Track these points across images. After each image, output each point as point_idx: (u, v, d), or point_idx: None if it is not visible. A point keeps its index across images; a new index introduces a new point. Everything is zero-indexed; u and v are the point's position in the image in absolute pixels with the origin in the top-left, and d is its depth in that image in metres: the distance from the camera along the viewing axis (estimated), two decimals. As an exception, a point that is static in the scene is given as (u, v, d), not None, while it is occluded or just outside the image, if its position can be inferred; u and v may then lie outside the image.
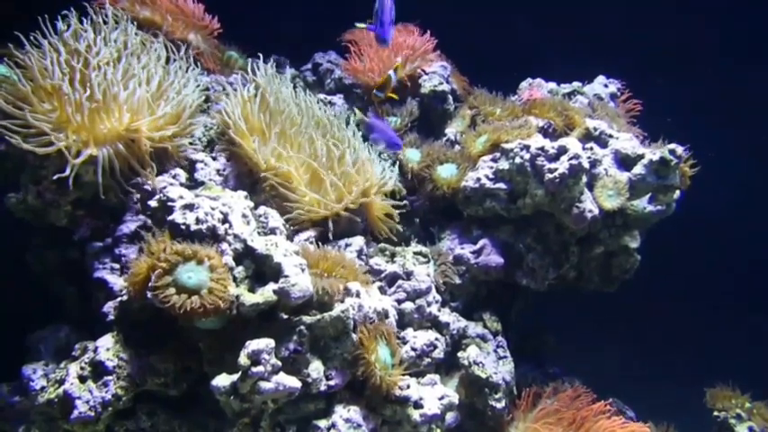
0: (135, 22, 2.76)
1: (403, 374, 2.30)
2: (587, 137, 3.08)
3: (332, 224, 2.61)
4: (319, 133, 2.83)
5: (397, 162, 3.07)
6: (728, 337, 5.01)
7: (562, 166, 2.75)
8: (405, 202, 2.90)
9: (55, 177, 2.29)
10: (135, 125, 2.39)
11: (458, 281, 2.87)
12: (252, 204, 2.45)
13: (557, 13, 4.82)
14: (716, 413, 3.24)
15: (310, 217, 2.58)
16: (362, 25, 2.70)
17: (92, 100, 2.32)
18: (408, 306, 2.61)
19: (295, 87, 3.07)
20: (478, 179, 2.92)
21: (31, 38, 2.43)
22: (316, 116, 2.91)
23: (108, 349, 2.09)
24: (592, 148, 2.97)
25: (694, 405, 3.36)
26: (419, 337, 2.57)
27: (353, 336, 2.22)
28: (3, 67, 2.41)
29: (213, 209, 2.22)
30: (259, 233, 2.33)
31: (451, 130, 3.35)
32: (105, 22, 2.62)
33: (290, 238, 2.48)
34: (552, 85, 3.55)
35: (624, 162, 2.99)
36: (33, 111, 2.27)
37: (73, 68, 2.37)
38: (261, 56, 3.00)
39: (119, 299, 2.23)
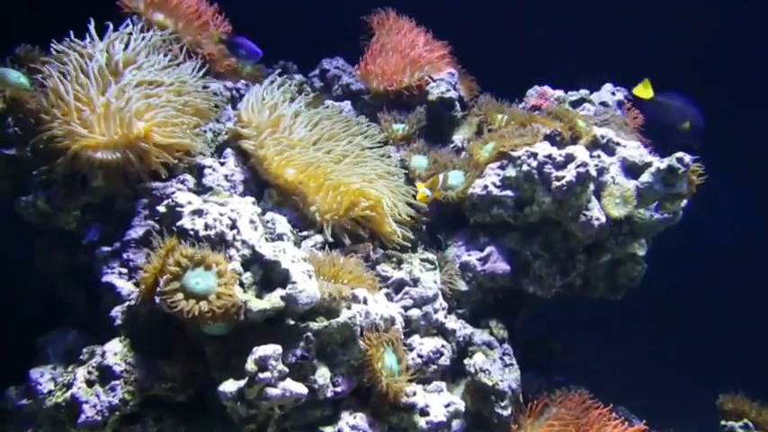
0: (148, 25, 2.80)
1: (409, 381, 2.30)
2: (595, 144, 3.06)
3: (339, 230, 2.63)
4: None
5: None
6: (739, 346, 4.98)
7: (569, 173, 2.74)
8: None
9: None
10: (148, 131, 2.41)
11: (464, 288, 2.87)
12: (260, 210, 2.46)
13: (566, 21, 4.81)
14: (723, 422, 3.22)
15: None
16: None
17: (106, 106, 2.34)
18: (415, 313, 2.61)
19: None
20: (485, 186, 2.92)
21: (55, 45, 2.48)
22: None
23: (115, 354, 2.10)
24: (599, 156, 2.97)
25: (702, 414, 3.33)
26: (425, 344, 2.56)
27: (360, 342, 2.22)
28: (20, 74, 2.45)
29: (221, 215, 2.22)
30: (267, 239, 2.33)
31: (459, 137, 3.35)
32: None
33: (297, 244, 2.49)
34: (559, 92, 3.54)
35: (631, 170, 2.98)
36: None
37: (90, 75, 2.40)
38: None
39: (126, 303, 2.23)
